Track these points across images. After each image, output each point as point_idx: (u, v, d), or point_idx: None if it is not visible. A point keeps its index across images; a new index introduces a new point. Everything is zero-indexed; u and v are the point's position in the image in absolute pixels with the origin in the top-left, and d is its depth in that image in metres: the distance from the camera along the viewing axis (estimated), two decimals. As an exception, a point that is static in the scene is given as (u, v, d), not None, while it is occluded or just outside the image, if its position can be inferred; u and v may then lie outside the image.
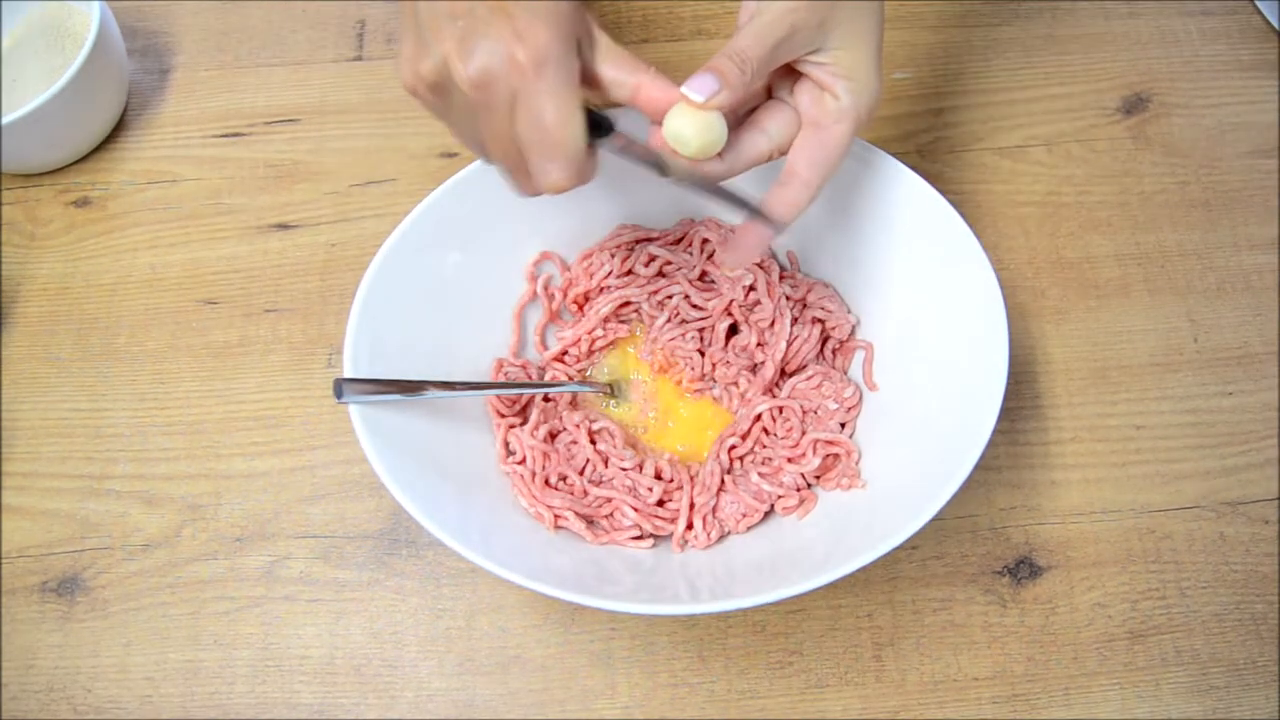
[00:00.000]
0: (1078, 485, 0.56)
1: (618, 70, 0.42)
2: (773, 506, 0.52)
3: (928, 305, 0.52)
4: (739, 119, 0.45)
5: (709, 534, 0.51)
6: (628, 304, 0.57)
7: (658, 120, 0.42)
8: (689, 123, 0.41)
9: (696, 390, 0.56)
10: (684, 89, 0.41)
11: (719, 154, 0.43)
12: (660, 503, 0.52)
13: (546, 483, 0.52)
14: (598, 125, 0.42)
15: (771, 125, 0.45)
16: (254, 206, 0.66)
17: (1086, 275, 0.62)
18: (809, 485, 0.53)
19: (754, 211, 0.44)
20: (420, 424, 0.50)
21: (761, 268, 0.56)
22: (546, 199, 0.54)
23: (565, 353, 0.57)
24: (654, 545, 0.51)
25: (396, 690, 0.53)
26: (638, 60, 0.42)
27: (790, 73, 0.45)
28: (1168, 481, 0.56)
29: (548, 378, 0.57)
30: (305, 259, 0.64)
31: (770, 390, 0.55)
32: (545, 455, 0.52)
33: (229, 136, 0.68)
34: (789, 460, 0.52)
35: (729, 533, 0.52)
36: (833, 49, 0.43)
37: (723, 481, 0.52)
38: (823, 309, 0.56)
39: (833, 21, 0.42)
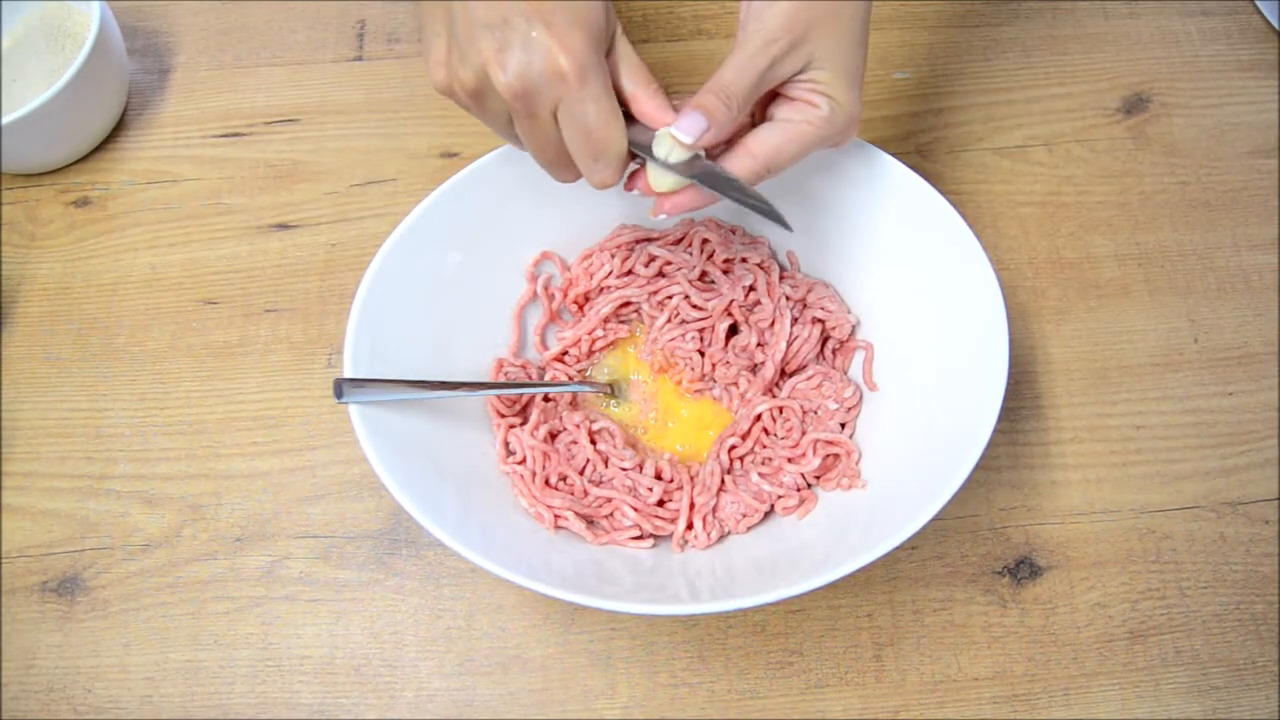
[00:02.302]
0: (1078, 485, 0.56)
1: (627, 80, 0.44)
2: (773, 506, 0.52)
3: (928, 305, 0.52)
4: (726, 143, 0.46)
5: (709, 534, 0.51)
6: (628, 304, 0.57)
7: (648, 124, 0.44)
8: (675, 146, 0.43)
9: (696, 390, 0.56)
10: (673, 131, 0.42)
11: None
12: (660, 503, 0.52)
13: (546, 483, 0.52)
14: None
15: (757, 147, 0.45)
16: (254, 206, 0.66)
17: (1086, 275, 0.62)
18: (809, 485, 0.53)
19: (757, 207, 0.44)
20: (420, 424, 0.50)
21: (761, 268, 0.56)
22: (547, 199, 0.55)
23: (565, 353, 0.57)
24: (654, 545, 0.51)
25: (396, 690, 0.53)
26: (646, 72, 0.44)
27: (774, 95, 0.46)
28: (1168, 481, 0.56)
29: (548, 378, 0.57)
30: (305, 259, 0.64)
31: (770, 390, 0.55)
32: (545, 455, 0.52)
33: (229, 136, 0.68)
34: (789, 460, 0.52)
35: (729, 533, 0.52)
36: (813, 70, 0.44)
37: (723, 481, 0.52)
38: (823, 309, 0.56)
39: (813, 46, 0.43)
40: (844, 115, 0.45)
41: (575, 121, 0.41)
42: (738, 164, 0.44)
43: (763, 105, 0.46)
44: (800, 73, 0.44)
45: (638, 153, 0.44)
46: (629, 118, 0.44)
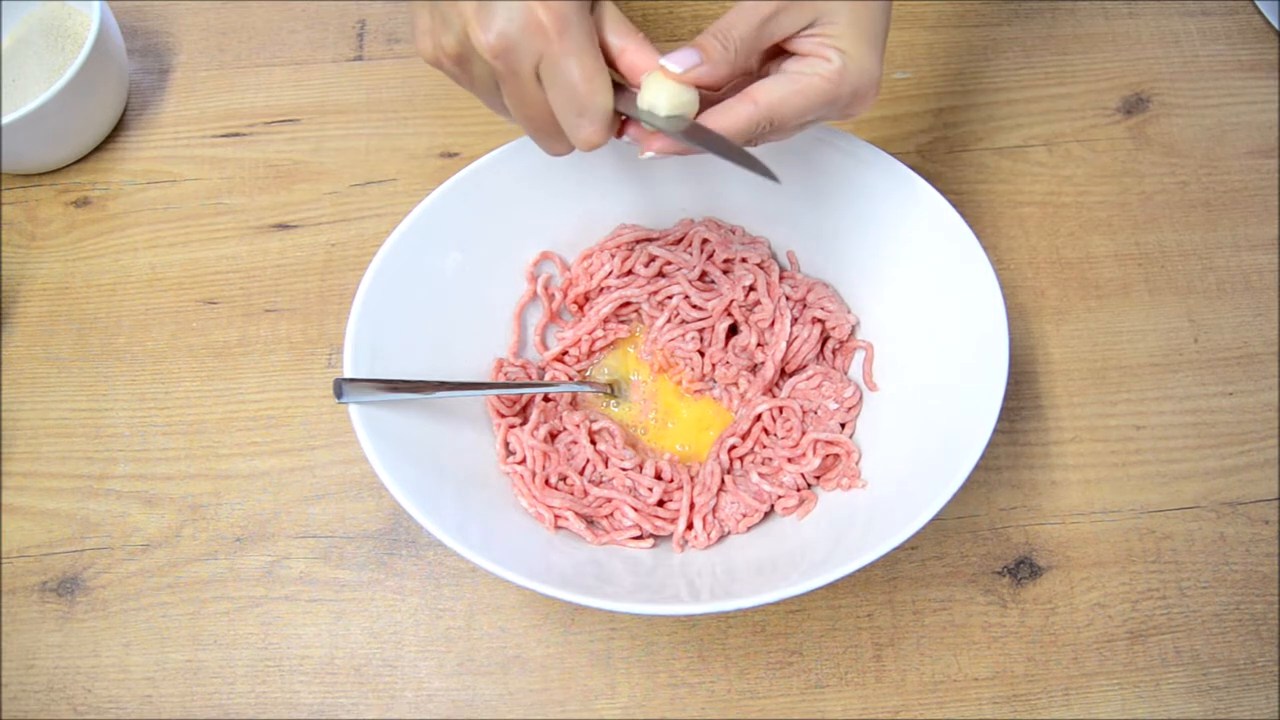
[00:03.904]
0: (1078, 485, 0.56)
1: (613, 34, 0.42)
2: (773, 506, 0.52)
3: (928, 305, 0.52)
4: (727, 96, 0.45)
5: (709, 534, 0.51)
6: (628, 304, 0.57)
7: (635, 84, 0.43)
8: (662, 89, 0.42)
9: (696, 390, 0.56)
10: (664, 60, 0.41)
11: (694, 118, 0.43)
12: (660, 503, 0.52)
13: (546, 483, 0.52)
14: None
15: (760, 95, 0.43)
16: (254, 206, 0.66)
17: (1086, 275, 0.62)
18: (809, 485, 0.53)
19: (743, 161, 0.42)
20: (420, 424, 0.50)
21: (761, 268, 0.56)
22: (547, 199, 0.55)
23: (565, 353, 0.57)
24: (654, 545, 0.51)
25: (396, 690, 0.53)
26: (631, 26, 0.43)
27: (783, 55, 0.44)
28: (1168, 481, 0.56)
29: (548, 378, 0.57)
30: (305, 259, 0.64)
31: (770, 390, 0.55)
32: (545, 455, 0.52)
33: (229, 136, 0.68)
34: (789, 460, 0.52)
35: (729, 533, 0.52)
36: (825, 25, 0.42)
37: (723, 481, 0.52)
38: (823, 309, 0.56)
39: (820, 4, 0.42)
40: (857, 71, 0.42)
41: (558, 76, 0.40)
42: (739, 110, 0.42)
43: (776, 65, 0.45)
44: (809, 27, 0.42)
45: (627, 115, 0.43)
46: (618, 87, 0.43)
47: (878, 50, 0.43)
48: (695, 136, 0.42)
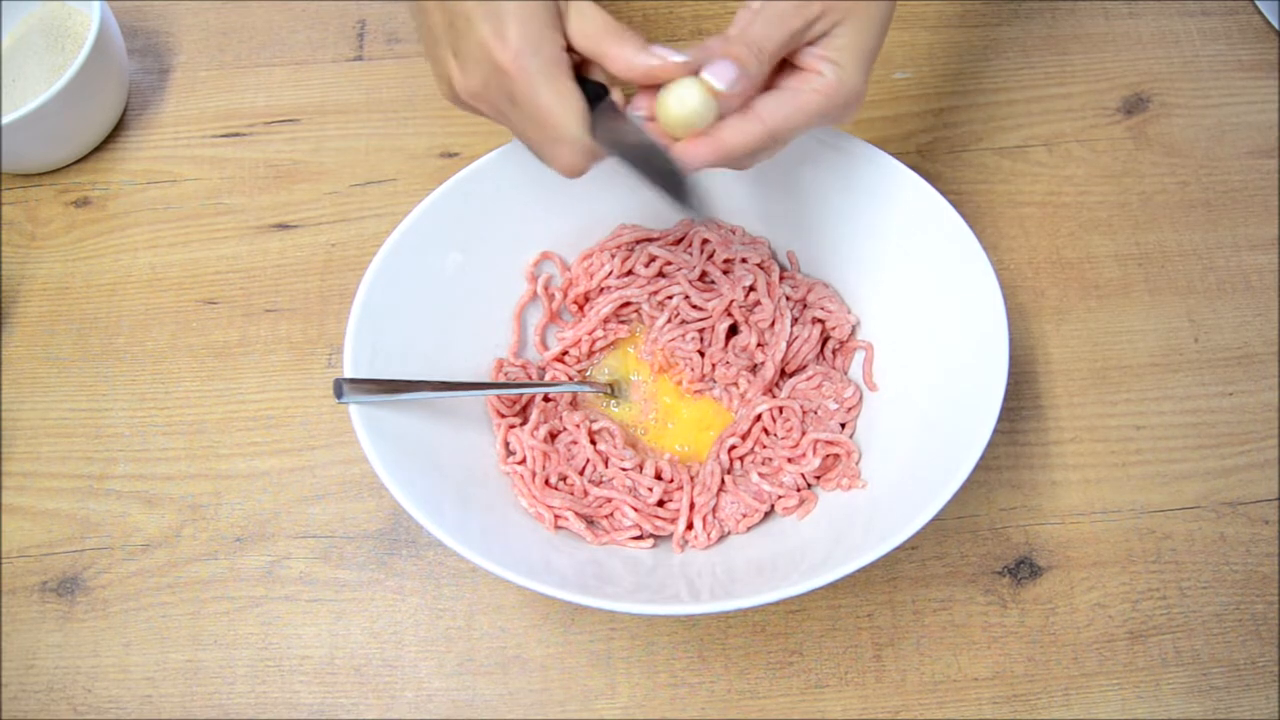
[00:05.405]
0: (1078, 485, 0.56)
1: (581, 38, 0.42)
2: (773, 506, 0.52)
3: (928, 305, 0.52)
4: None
5: (709, 534, 0.51)
6: (628, 304, 0.57)
7: (630, 85, 0.43)
8: (694, 92, 0.41)
9: (696, 390, 0.56)
10: (706, 75, 0.41)
11: (705, 132, 0.43)
12: (660, 503, 0.52)
13: (547, 483, 0.52)
14: (592, 95, 0.43)
15: (766, 114, 0.44)
16: (254, 206, 0.66)
17: (1086, 275, 0.62)
18: (809, 485, 0.53)
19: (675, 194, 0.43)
20: (420, 424, 0.50)
21: (761, 268, 0.56)
22: (547, 199, 0.55)
23: (565, 353, 0.57)
24: (654, 545, 0.51)
25: (396, 690, 0.53)
26: (612, 25, 0.42)
27: (785, 64, 0.45)
28: (1168, 481, 0.56)
29: (548, 378, 0.57)
30: (305, 259, 0.64)
31: (770, 390, 0.55)
32: (545, 455, 0.52)
33: (229, 136, 0.68)
34: (789, 460, 0.52)
35: (729, 533, 0.52)
36: (828, 39, 0.43)
37: (723, 482, 0.52)
38: (823, 309, 0.56)
39: (839, 15, 0.43)
40: (850, 87, 0.44)
41: (523, 110, 0.41)
42: (750, 130, 0.43)
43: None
44: (815, 42, 0.43)
45: (620, 154, 0.43)
46: (616, 117, 0.43)
47: (867, 68, 0.45)
48: (678, 155, 0.42)
